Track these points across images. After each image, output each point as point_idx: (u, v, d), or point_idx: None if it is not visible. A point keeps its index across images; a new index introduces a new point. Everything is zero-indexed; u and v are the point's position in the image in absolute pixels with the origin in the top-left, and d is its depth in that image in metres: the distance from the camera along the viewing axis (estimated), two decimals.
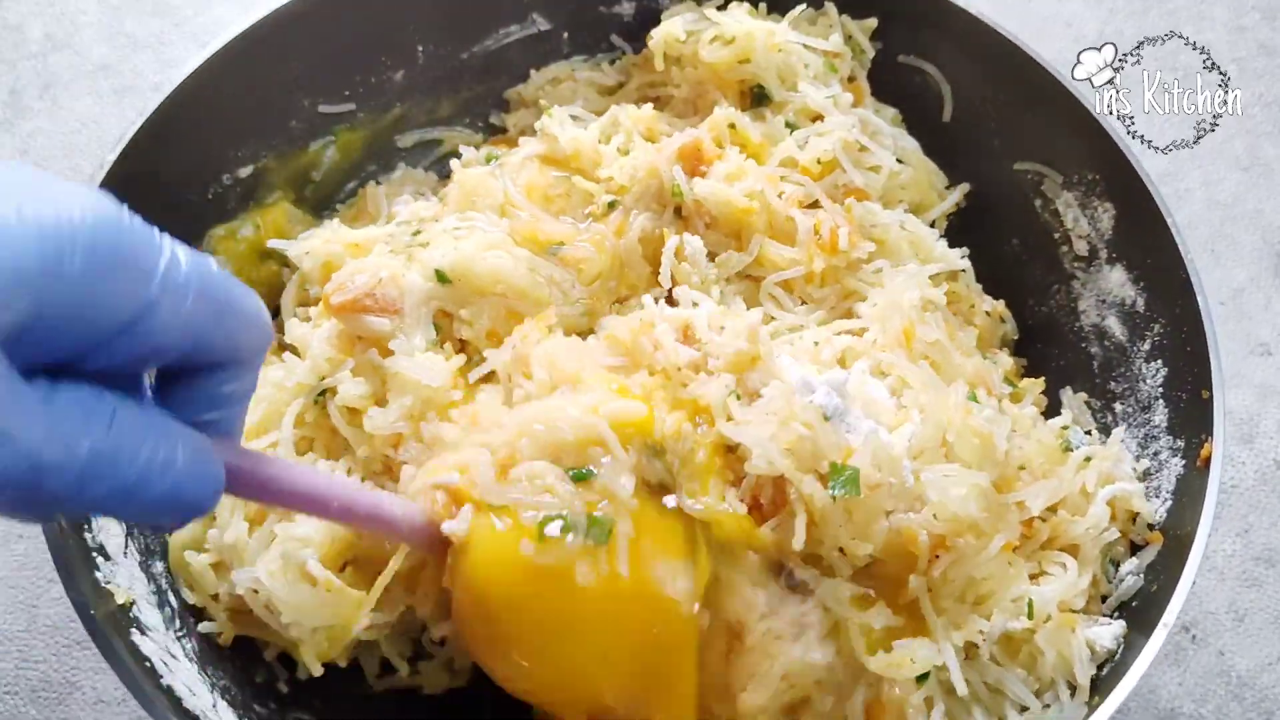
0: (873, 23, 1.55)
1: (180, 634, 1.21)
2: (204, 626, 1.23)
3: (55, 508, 0.69)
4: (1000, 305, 1.52)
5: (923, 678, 1.13)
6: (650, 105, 1.47)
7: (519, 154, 1.43)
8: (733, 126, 1.42)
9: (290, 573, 1.14)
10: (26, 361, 0.65)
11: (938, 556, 1.14)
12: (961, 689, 1.13)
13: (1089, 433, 1.39)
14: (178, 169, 1.37)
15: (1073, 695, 1.16)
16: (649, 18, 1.58)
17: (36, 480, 0.64)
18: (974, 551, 1.15)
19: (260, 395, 1.25)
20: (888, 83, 1.58)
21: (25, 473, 0.64)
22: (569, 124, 1.43)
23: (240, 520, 1.19)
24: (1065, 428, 1.36)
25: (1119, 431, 1.35)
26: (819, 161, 1.40)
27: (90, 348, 0.68)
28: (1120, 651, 1.19)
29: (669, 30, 1.49)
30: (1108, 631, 1.20)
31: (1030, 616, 1.17)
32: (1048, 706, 1.17)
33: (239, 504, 1.20)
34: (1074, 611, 1.21)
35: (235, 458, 0.83)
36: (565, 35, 1.63)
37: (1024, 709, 1.17)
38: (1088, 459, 1.30)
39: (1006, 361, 1.46)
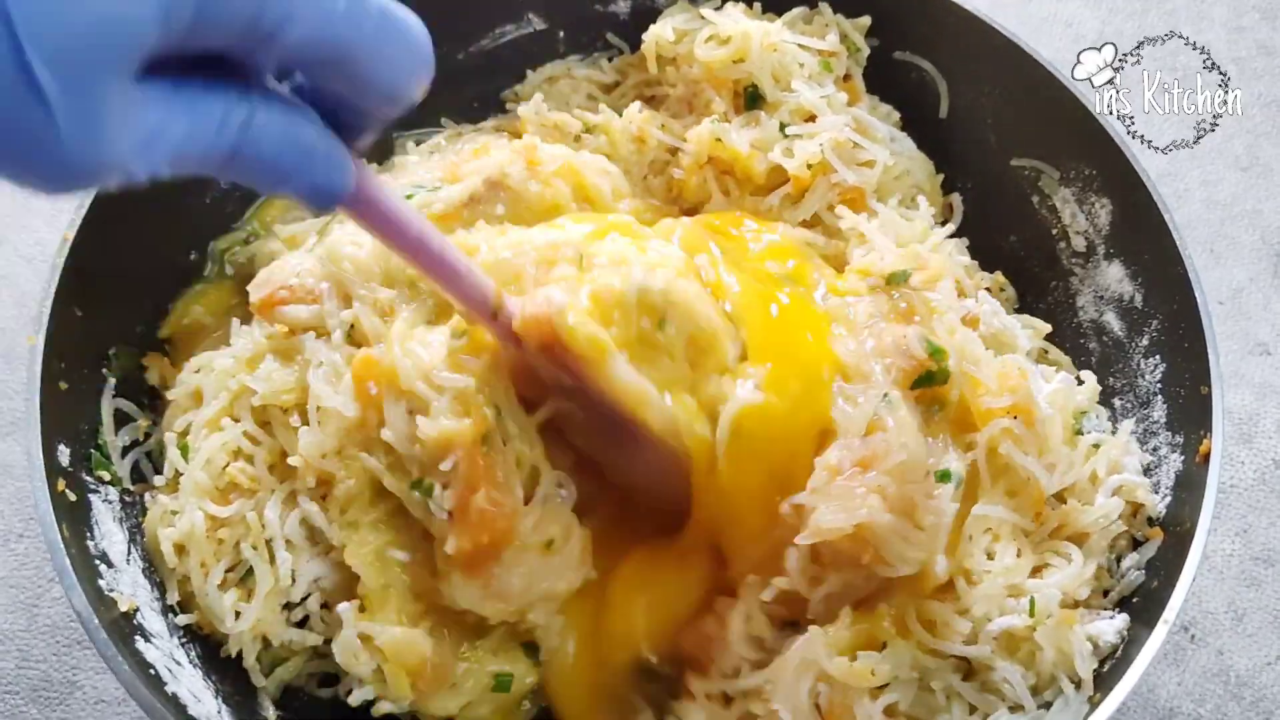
0: (866, 21, 1.55)
1: (184, 640, 1.21)
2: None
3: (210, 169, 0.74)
4: (998, 275, 1.52)
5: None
6: (638, 104, 1.48)
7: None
8: (719, 140, 1.42)
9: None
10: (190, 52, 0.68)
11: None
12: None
13: (1096, 418, 1.39)
14: None
15: (1077, 689, 1.16)
16: (645, 16, 1.58)
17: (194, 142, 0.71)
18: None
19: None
20: (884, 79, 1.58)
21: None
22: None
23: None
24: (1083, 412, 1.36)
25: (1128, 423, 1.36)
26: (808, 165, 1.40)
27: (246, 47, 0.71)
28: (1122, 648, 1.19)
29: (659, 33, 1.50)
30: (1110, 626, 1.20)
31: (1032, 614, 1.17)
32: (1048, 705, 1.17)
33: None
34: (1077, 604, 1.21)
35: (359, 169, 0.85)
36: (561, 34, 1.64)
37: (1018, 708, 1.17)
38: (1096, 446, 1.30)
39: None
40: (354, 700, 1.19)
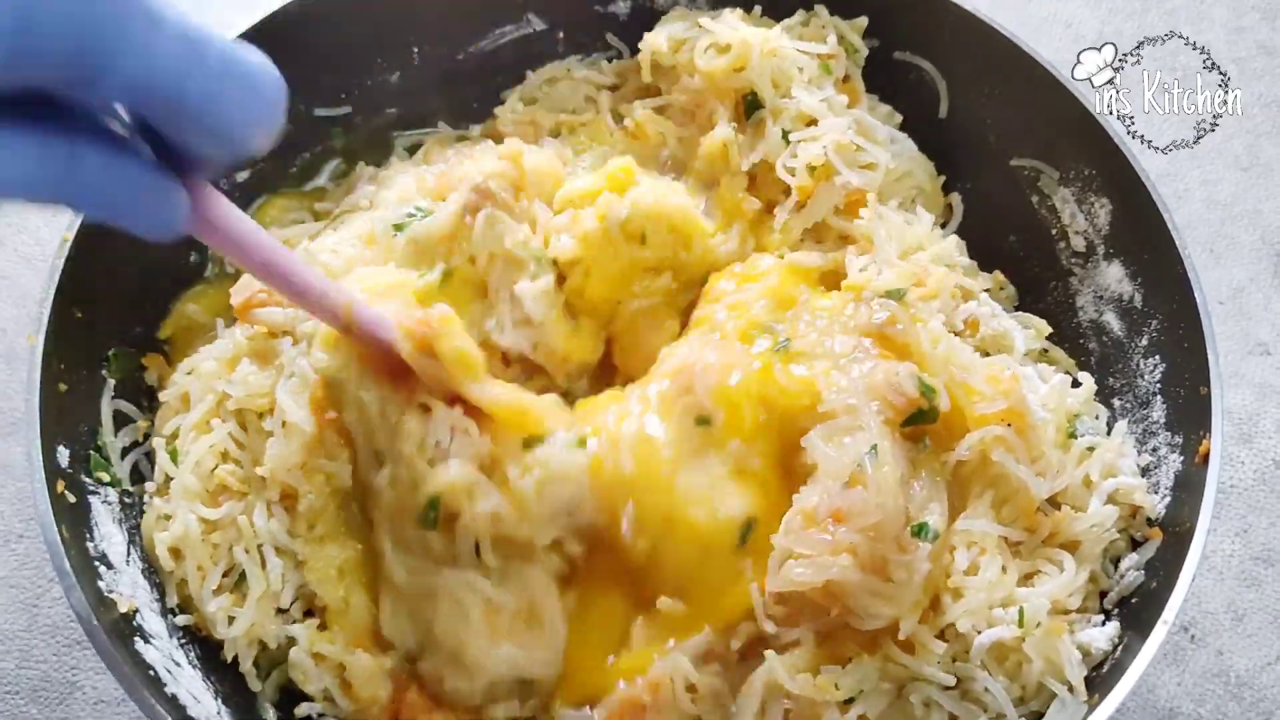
0: (863, 22, 1.54)
1: (183, 641, 1.22)
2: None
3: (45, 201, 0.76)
4: (997, 274, 1.52)
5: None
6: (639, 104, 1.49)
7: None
8: (725, 144, 1.43)
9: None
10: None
11: None
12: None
13: (1095, 418, 1.39)
14: None
15: (1070, 692, 1.16)
16: (644, 16, 1.58)
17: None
18: None
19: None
20: (884, 79, 1.58)
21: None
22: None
23: None
24: (1077, 415, 1.36)
25: (1122, 425, 1.35)
26: (811, 168, 1.40)
27: (70, 86, 0.71)
28: (1116, 652, 1.19)
29: (655, 42, 1.50)
30: (1101, 634, 1.20)
31: (1021, 624, 1.17)
32: (1037, 715, 1.17)
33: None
34: (1067, 612, 1.21)
35: (202, 198, 0.87)
36: (561, 35, 1.63)
37: (1000, 717, 1.16)
38: (1090, 449, 1.30)
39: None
40: (299, 713, 1.22)
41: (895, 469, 1.16)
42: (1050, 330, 1.47)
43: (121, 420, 1.31)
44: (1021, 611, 1.17)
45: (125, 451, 1.31)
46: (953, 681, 1.16)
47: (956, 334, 1.36)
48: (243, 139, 0.79)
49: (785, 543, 1.14)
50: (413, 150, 1.59)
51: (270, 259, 1.01)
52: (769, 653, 1.15)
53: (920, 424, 1.21)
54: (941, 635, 1.18)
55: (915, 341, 1.24)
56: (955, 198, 1.58)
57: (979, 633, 1.16)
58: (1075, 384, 1.40)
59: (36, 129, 0.72)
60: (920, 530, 1.15)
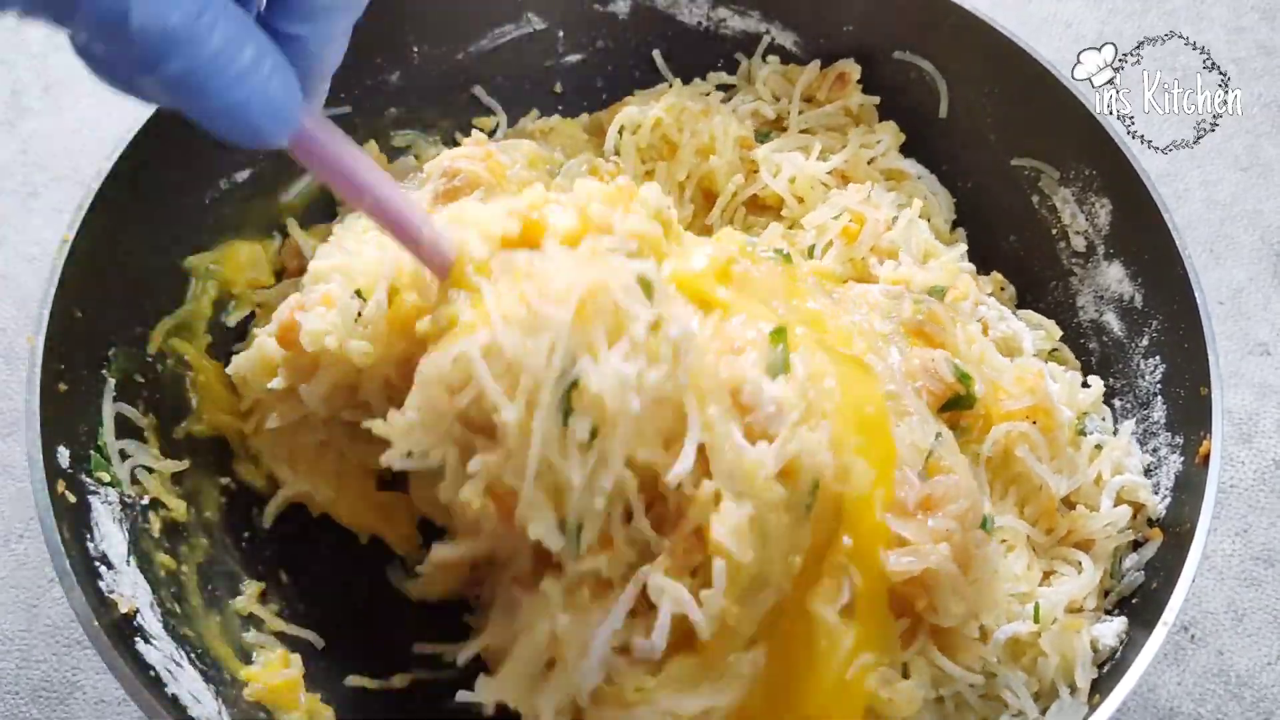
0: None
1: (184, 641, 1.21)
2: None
3: (138, 73, 0.71)
4: (996, 275, 1.52)
5: None
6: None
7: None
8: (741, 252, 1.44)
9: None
10: None
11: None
12: None
13: (1102, 419, 1.39)
14: (176, 173, 1.37)
15: (1072, 693, 1.16)
16: (645, 16, 1.58)
17: (121, 32, 0.67)
18: None
19: None
20: (884, 79, 1.58)
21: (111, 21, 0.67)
22: None
23: None
24: (1085, 413, 1.36)
25: (1129, 424, 1.36)
26: (850, 261, 1.40)
27: None
28: (1121, 649, 1.19)
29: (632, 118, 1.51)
30: (1110, 629, 1.20)
31: (1037, 620, 1.17)
32: (1045, 710, 1.17)
33: None
34: (1081, 609, 1.21)
35: (309, 113, 0.84)
36: (560, 34, 1.63)
37: (1020, 714, 1.16)
38: (1098, 447, 1.30)
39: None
40: None
41: (962, 456, 1.13)
42: (1060, 334, 1.47)
43: (121, 421, 1.31)
44: (1037, 607, 1.17)
45: (124, 453, 1.31)
46: (982, 680, 1.15)
47: None
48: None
49: (893, 527, 1.07)
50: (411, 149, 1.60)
51: (375, 189, 0.93)
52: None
53: (957, 410, 1.19)
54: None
55: (953, 340, 1.23)
56: (961, 232, 1.58)
57: (998, 627, 1.16)
58: (1084, 384, 1.40)
59: None
60: (984, 523, 1.12)
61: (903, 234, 1.39)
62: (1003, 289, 1.52)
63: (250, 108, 0.75)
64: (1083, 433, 1.33)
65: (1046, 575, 1.23)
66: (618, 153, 1.51)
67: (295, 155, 0.87)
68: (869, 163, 1.54)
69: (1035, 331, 1.44)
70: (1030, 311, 1.49)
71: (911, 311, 1.24)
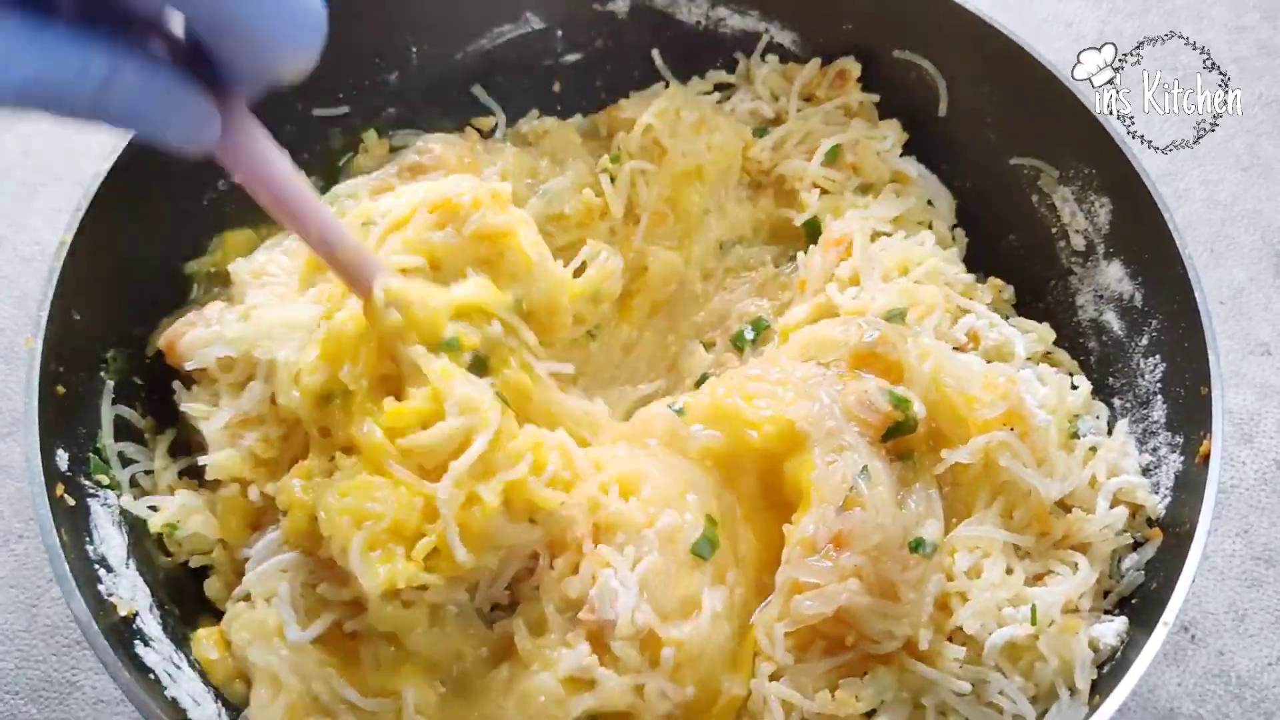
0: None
1: (183, 643, 1.21)
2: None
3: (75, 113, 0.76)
4: (994, 281, 1.52)
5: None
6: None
7: None
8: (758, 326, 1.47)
9: None
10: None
11: None
12: None
13: (1096, 417, 1.39)
14: (175, 173, 1.37)
15: (1072, 695, 1.16)
16: (645, 16, 1.58)
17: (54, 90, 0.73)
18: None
19: None
20: (884, 79, 1.58)
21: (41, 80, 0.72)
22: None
23: None
24: (1077, 415, 1.36)
25: (1123, 424, 1.35)
26: (815, 307, 1.40)
27: None
28: (1121, 650, 1.19)
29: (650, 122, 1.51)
30: (1110, 629, 1.20)
31: (1034, 622, 1.16)
32: (1044, 713, 1.17)
33: None
34: (1076, 610, 1.21)
35: (235, 123, 0.87)
36: (559, 34, 1.63)
37: (1018, 718, 1.16)
38: (1093, 449, 1.30)
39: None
40: None
41: (889, 487, 1.14)
42: (1054, 337, 1.47)
43: (120, 423, 1.31)
44: (1034, 609, 1.16)
45: (125, 460, 1.31)
46: (968, 688, 1.15)
47: (959, 348, 1.36)
48: (279, 57, 0.80)
49: (789, 574, 1.12)
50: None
51: (294, 203, 0.97)
52: (777, 683, 1.13)
53: (900, 435, 1.20)
54: (950, 638, 1.17)
55: (906, 358, 1.23)
56: (959, 231, 1.58)
57: (989, 633, 1.16)
58: (1072, 387, 1.40)
59: (81, 39, 0.73)
60: (918, 546, 1.14)
61: (863, 259, 1.39)
62: (1000, 292, 1.52)
63: (179, 135, 0.82)
64: (1076, 435, 1.33)
65: (1040, 577, 1.22)
66: (612, 179, 1.51)
67: (222, 163, 0.90)
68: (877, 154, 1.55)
69: (1026, 335, 1.43)
70: (1024, 319, 1.48)
71: (858, 338, 1.25)
